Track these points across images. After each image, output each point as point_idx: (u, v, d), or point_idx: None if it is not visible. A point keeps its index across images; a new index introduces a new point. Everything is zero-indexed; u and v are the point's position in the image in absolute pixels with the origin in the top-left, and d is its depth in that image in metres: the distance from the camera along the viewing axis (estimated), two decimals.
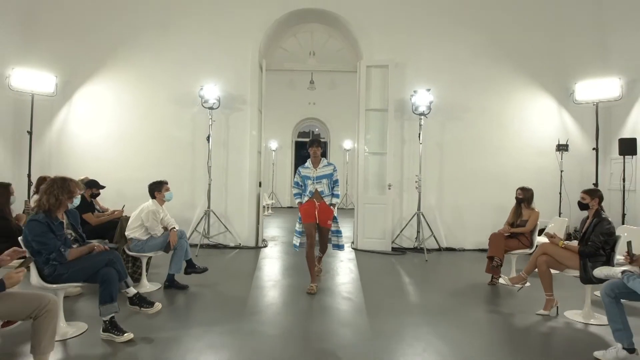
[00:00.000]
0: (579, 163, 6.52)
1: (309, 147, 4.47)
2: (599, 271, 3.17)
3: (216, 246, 6.36)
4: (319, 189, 4.38)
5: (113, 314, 2.84)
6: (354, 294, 4.20)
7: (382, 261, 5.79)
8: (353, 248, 6.52)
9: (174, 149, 6.59)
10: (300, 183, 4.54)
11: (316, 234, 4.39)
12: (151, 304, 3.20)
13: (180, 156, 6.58)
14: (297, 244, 4.50)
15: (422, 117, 6.24)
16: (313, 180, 4.40)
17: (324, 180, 4.40)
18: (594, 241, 3.32)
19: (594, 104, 6.33)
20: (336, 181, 4.50)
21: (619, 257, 3.28)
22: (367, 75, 6.56)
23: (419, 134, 6.31)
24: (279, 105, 11.72)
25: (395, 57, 6.51)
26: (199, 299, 3.98)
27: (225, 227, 6.48)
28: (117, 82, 6.62)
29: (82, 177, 4.85)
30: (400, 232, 6.46)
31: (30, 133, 6.11)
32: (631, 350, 2.55)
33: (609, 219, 3.46)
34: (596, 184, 6.05)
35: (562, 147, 6.16)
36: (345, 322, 3.46)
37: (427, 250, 6.05)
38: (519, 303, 3.91)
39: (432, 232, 6.30)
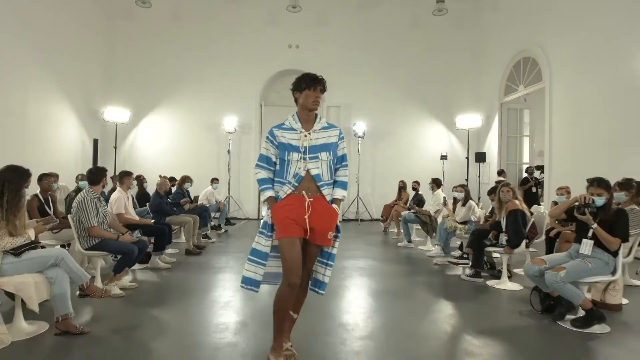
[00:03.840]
0: (459, 166, 10.11)
1: (304, 88, 2.34)
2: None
3: (231, 220, 9.81)
4: (312, 172, 2.29)
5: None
6: None
7: None
8: None
9: (205, 158, 9.99)
10: (272, 159, 2.37)
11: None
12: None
13: (209, 163, 9.98)
14: (251, 277, 2.29)
15: (360, 139, 9.79)
16: (302, 153, 2.30)
17: (324, 155, 2.34)
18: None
19: (467, 130, 9.95)
20: (343, 157, 2.50)
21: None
22: (328, 112, 10.08)
23: (358, 149, 9.86)
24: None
25: (345, 99, 10.02)
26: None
27: (239, 206, 9.95)
28: (169, 114, 10.01)
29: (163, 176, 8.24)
30: (347, 208, 9.99)
31: (115, 147, 9.49)
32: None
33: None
34: (467, 180, 9.66)
35: (443, 157, 9.75)
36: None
37: (362, 220, 9.63)
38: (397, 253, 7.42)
39: (367, 209, 9.85)
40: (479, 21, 10.21)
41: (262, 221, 2.39)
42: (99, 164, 9.41)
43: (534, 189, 8.60)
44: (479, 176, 9.52)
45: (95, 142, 9.40)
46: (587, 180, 3.17)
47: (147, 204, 6.24)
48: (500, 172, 8.84)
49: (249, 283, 2.29)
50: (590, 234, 3.04)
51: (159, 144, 10.00)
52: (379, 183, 10.11)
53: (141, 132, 10.04)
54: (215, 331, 2.91)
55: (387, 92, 10.19)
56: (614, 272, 2.98)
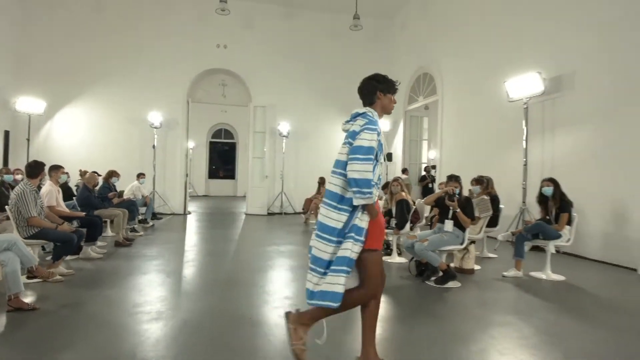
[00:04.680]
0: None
1: (393, 93, 2.39)
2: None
3: (157, 214, 9.91)
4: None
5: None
6: (238, 234, 8.27)
7: (261, 219, 9.94)
8: (245, 213, 10.58)
9: (127, 152, 9.92)
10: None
11: None
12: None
13: (132, 157, 9.93)
14: (337, 291, 2.03)
15: (285, 138, 10.52)
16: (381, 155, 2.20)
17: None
18: None
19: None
20: None
21: None
22: (254, 111, 10.63)
23: (283, 148, 10.59)
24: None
25: (270, 100, 10.65)
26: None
27: (164, 201, 10.06)
28: (89, 107, 9.75)
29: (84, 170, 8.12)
30: (272, 202, 10.67)
31: (28, 140, 9.03)
32: None
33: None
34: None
35: None
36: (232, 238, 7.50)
37: (286, 213, 10.39)
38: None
39: (290, 203, 10.64)
40: (390, 38, 11.54)
41: (352, 226, 2.05)
42: (10, 157, 8.93)
43: (430, 185, 10.08)
44: (387, 174, 10.82)
45: (6, 133, 8.88)
46: (447, 176, 4.28)
47: (73, 197, 6.29)
48: (404, 171, 10.22)
49: (332, 298, 2.02)
50: (450, 215, 4.14)
51: (76, 137, 9.70)
52: (302, 179, 10.94)
53: (57, 124, 9.65)
54: (153, 302, 3.44)
55: (309, 95, 11.05)
56: (462, 243, 4.10)
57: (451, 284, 3.94)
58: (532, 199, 6.15)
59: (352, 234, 2.03)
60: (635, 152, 4.93)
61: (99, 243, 5.54)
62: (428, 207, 5.69)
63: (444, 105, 9.05)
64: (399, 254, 5.22)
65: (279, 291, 3.79)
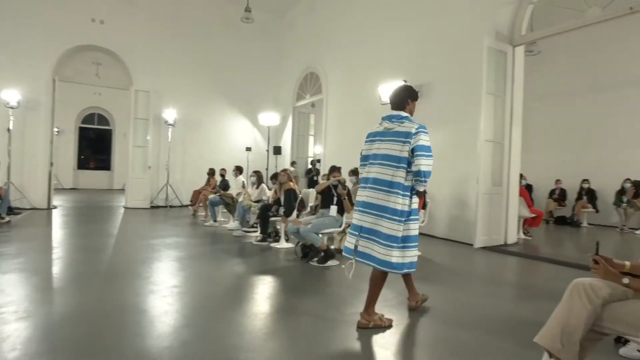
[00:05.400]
0: (261, 157, 11.52)
1: (416, 100, 2.85)
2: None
3: (14, 209, 8.50)
4: None
5: None
6: (117, 228, 7.66)
7: (143, 213, 9.29)
8: (124, 207, 9.76)
9: None
10: None
11: None
12: None
13: None
14: (414, 261, 2.70)
15: (171, 126, 9.99)
16: None
17: None
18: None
19: (268, 127, 11.44)
20: None
21: None
22: (136, 95, 9.83)
23: (169, 136, 10.05)
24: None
25: (155, 84, 9.97)
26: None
27: (22, 194, 8.67)
28: None
29: None
30: (157, 195, 10.06)
31: None
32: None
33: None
34: (267, 169, 11.13)
35: (248, 149, 10.99)
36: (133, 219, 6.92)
37: (172, 206, 9.91)
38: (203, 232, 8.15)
39: (177, 195, 10.18)
40: (281, 35, 11.81)
41: (413, 210, 2.61)
42: None
43: (315, 178, 10.68)
44: (276, 166, 11.12)
45: None
46: (330, 167, 4.74)
47: None
48: (292, 163, 10.65)
49: (413, 266, 2.65)
50: (334, 202, 4.60)
51: None
52: (190, 170, 10.53)
53: None
54: (19, 301, 3.10)
55: (199, 84, 10.67)
56: (341, 226, 4.60)
57: (331, 263, 4.39)
58: None
59: (414, 216, 2.62)
60: (469, 151, 6.07)
61: None
62: (313, 197, 6.13)
63: (328, 104, 9.69)
64: (287, 240, 5.54)
65: (167, 281, 3.74)
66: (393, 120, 2.67)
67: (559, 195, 9.48)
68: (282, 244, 5.42)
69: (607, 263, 1.72)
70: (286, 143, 11.50)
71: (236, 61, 11.18)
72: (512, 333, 2.68)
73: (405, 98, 2.75)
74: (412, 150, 2.54)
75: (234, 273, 4.17)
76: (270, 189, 6.70)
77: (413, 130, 2.55)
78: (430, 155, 2.55)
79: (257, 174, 6.64)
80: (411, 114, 2.77)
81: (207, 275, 4.05)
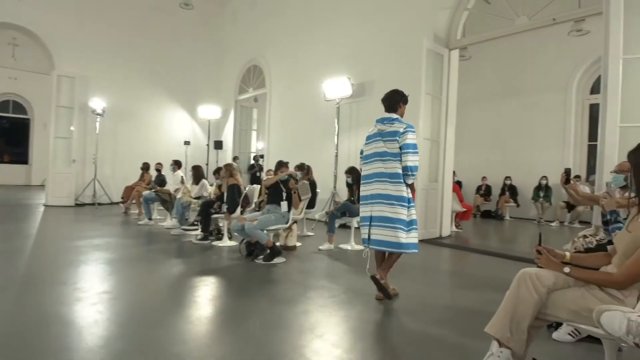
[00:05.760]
0: (200, 152, 11.00)
1: (406, 103, 3.23)
2: None
3: None
4: None
5: None
6: (36, 229, 6.83)
7: (67, 211, 8.40)
8: (44, 205, 8.76)
9: None
10: None
11: None
12: None
13: None
14: (416, 242, 3.14)
15: (99, 116, 9.14)
16: None
17: None
18: None
19: (208, 120, 10.94)
20: None
21: None
22: (58, 81, 8.83)
23: (97, 127, 9.19)
24: None
25: (81, 69, 9.05)
26: None
27: None
28: None
29: None
30: (82, 192, 9.17)
31: None
32: None
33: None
34: (207, 164, 10.65)
35: (186, 142, 10.43)
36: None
37: (100, 203, 9.09)
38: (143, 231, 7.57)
39: (105, 192, 9.35)
40: (222, 25, 11.33)
41: (409, 198, 3.05)
42: None
43: (257, 174, 10.44)
44: (217, 161, 10.69)
45: None
46: (277, 162, 4.62)
47: None
48: (235, 159, 10.30)
49: (415, 247, 3.07)
50: (284, 197, 4.48)
51: None
52: (121, 164, 9.74)
53: None
54: None
55: (132, 71, 9.89)
56: (287, 222, 4.50)
57: (277, 260, 4.27)
58: (341, 184, 7.14)
59: (412, 204, 3.06)
60: None
61: None
62: (257, 193, 5.95)
63: (272, 98, 9.49)
64: (230, 238, 5.30)
65: (96, 286, 3.37)
66: (385, 122, 3.07)
67: (484, 191, 10.21)
68: (225, 242, 5.19)
69: (549, 253, 1.81)
70: (228, 137, 11.10)
71: (174, 49, 10.52)
72: (452, 322, 2.78)
73: (398, 101, 3.13)
74: (401, 148, 2.93)
75: (173, 275, 3.88)
76: (211, 185, 6.39)
77: (401, 130, 2.96)
78: (416, 152, 2.97)
79: (197, 169, 6.29)
80: (402, 115, 3.14)
81: (143, 278, 3.72)
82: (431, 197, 6.31)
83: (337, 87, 7.16)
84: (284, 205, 4.38)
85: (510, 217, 9.73)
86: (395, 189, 2.99)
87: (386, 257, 3.17)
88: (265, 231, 4.27)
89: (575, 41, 8.42)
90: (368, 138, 3.21)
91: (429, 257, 5.16)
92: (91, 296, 3.09)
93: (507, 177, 9.79)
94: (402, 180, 2.99)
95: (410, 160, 2.93)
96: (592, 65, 8.91)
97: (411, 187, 3.08)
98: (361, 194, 3.20)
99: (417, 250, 3.08)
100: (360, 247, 5.28)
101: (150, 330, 2.50)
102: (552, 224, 8.72)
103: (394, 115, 3.08)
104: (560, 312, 1.67)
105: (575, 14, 4.90)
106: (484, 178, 10.24)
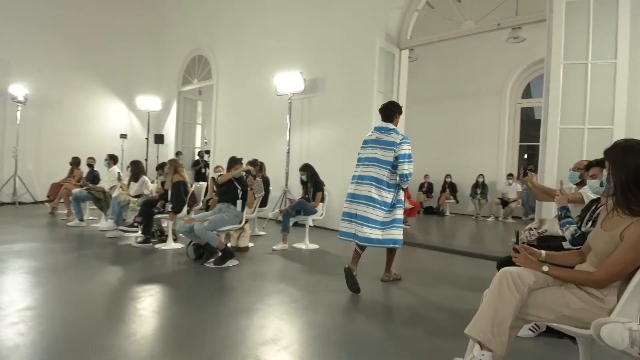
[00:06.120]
0: (139, 146, 10.17)
1: (401, 113, 3.58)
2: None
3: None
4: None
5: None
6: None
7: None
8: None
9: None
10: None
11: None
12: None
13: None
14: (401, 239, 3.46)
15: (20, 104, 8.03)
16: None
17: None
18: None
19: (147, 112, 10.13)
20: None
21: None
22: None
23: (17, 117, 8.07)
24: None
25: None
26: None
27: None
28: None
29: None
30: (0, 189, 8.01)
31: None
32: None
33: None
34: (147, 160, 9.86)
35: (123, 136, 9.58)
36: None
37: (21, 202, 8.01)
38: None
39: (28, 190, 8.26)
40: (165, 9, 10.52)
41: (398, 199, 3.39)
42: None
43: (203, 170, 9.90)
44: (158, 157, 9.95)
45: None
46: (231, 158, 4.30)
47: None
48: (177, 154, 9.63)
49: (399, 242, 3.38)
50: (240, 195, 4.18)
51: None
52: (46, 159, 8.68)
53: None
54: None
55: (60, 55, 8.84)
56: (241, 222, 4.20)
57: (229, 263, 3.97)
58: (293, 182, 6.94)
59: (399, 205, 3.37)
60: (359, 143, 6.19)
61: None
62: (204, 190, 5.55)
63: (219, 91, 9.00)
64: (175, 240, 4.87)
65: (16, 301, 2.85)
66: (383, 131, 3.38)
67: (427, 188, 10.58)
68: (170, 245, 4.75)
69: (526, 252, 1.77)
70: (170, 131, 10.37)
71: (110, 33, 9.58)
72: (418, 322, 2.71)
73: (395, 112, 3.46)
74: (397, 158, 3.23)
75: (110, 285, 3.42)
76: (153, 182, 5.86)
77: (398, 141, 3.26)
78: (411, 161, 3.27)
79: (137, 164, 5.71)
80: (396, 124, 3.45)
81: (74, 290, 3.23)
82: None
83: (289, 81, 6.92)
84: (239, 204, 4.08)
85: (451, 213, 10.17)
86: (378, 193, 3.28)
87: (354, 253, 3.44)
88: (216, 232, 3.94)
89: (511, 48, 8.94)
90: (365, 142, 3.47)
91: (381, 255, 5.13)
92: (11, 314, 2.60)
93: (448, 175, 10.20)
94: (385, 187, 3.29)
95: (406, 168, 3.24)
96: (524, 71, 9.56)
97: (404, 189, 3.44)
98: (351, 192, 3.41)
99: (400, 245, 3.42)
100: (315, 245, 5.13)
101: (85, 352, 2.13)
102: (488, 219, 9.24)
103: (391, 126, 3.38)
104: (541, 312, 1.63)
105: (519, 20, 5.14)
106: (426, 176, 10.60)
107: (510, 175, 9.42)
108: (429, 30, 6.44)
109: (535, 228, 3.43)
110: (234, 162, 4.21)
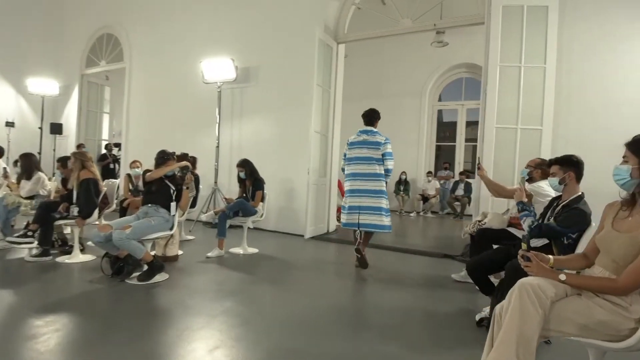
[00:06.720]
0: (31, 136, 8.43)
1: (379, 119, 4.23)
2: None
3: None
4: None
5: None
6: None
7: None
8: None
9: None
10: None
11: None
12: None
13: None
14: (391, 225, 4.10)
15: None
16: None
17: None
18: None
19: (42, 96, 8.43)
20: None
21: None
22: None
23: None
24: None
25: None
26: None
27: None
28: None
29: None
30: None
31: None
32: None
33: None
34: (40, 153, 8.21)
35: (9, 124, 7.84)
36: None
37: None
38: None
39: None
40: None
41: (385, 191, 4.01)
42: None
43: (112, 166, 8.55)
44: (55, 149, 8.36)
45: None
46: (160, 153, 3.57)
47: None
48: (80, 147, 8.17)
49: (390, 228, 4.04)
50: (174, 196, 3.48)
51: None
52: None
53: None
54: None
55: None
56: (172, 227, 3.51)
57: (158, 277, 3.26)
58: (223, 180, 6.28)
59: (386, 195, 4.00)
60: (301, 141, 5.83)
61: None
62: (119, 188, 4.64)
63: (132, 76, 7.82)
64: (82, 251, 3.94)
65: None
66: (369, 134, 3.96)
67: None
68: (77, 257, 3.81)
69: (537, 258, 1.57)
70: (70, 120, 8.77)
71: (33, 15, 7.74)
72: (392, 331, 2.42)
73: (376, 119, 4.10)
74: (383, 155, 3.88)
75: None
76: (51, 179, 4.75)
77: (382, 141, 3.91)
78: (392, 158, 3.94)
79: (29, 158, 4.54)
80: (376, 127, 4.05)
81: None
82: (321, 193, 6.02)
83: (218, 68, 6.21)
84: (173, 207, 3.38)
85: None
86: (377, 185, 3.89)
87: (364, 236, 4.00)
88: (141, 241, 3.21)
89: (433, 52, 9.31)
90: (351, 144, 4.01)
91: (325, 255, 4.83)
92: None
93: None
94: (381, 179, 3.91)
95: (390, 164, 3.93)
96: (442, 75, 10.05)
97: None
98: (349, 188, 3.98)
99: (390, 231, 4.04)
100: (254, 250, 4.61)
101: None
102: (411, 215, 9.57)
103: (374, 129, 4.00)
104: (565, 327, 1.43)
105: (456, 21, 5.20)
106: None
107: (429, 173, 9.87)
108: (364, 27, 6.29)
109: (479, 221, 3.49)
110: (165, 157, 3.47)
